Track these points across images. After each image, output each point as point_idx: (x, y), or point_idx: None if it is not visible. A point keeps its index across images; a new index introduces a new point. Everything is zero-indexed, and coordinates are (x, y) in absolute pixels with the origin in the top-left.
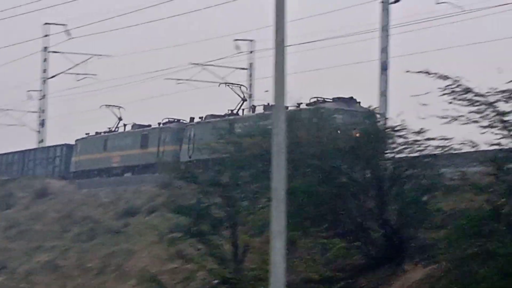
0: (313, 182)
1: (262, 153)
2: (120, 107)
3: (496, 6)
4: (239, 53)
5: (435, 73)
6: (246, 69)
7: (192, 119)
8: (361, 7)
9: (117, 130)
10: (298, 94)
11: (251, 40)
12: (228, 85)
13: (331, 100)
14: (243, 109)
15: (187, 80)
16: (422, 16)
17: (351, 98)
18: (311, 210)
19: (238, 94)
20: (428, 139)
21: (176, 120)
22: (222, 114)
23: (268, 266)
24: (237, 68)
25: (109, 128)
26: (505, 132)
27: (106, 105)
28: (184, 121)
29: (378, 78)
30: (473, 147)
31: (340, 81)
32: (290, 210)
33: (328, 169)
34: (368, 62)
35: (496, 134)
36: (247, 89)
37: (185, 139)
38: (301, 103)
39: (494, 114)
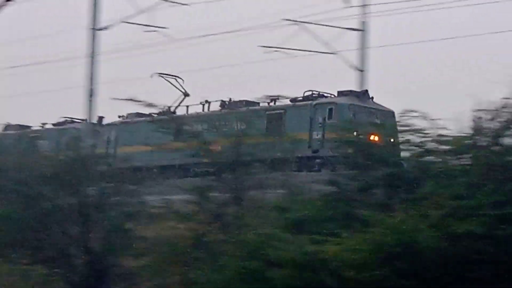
0: (16, 207)
1: None
2: None
3: (206, 35)
4: None
5: (142, 101)
6: None
7: (44, 124)
8: (70, 33)
9: None
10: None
11: None
12: (161, 76)
13: (333, 95)
14: (187, 106)
15: None
16: (132, 44)
17: (366, 91)
18: (12, 236)
19: (177, 88)
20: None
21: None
22: (147, 113)
23: None
24: None
25: None
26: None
27: None
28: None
29: (86, 104)
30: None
31: (50, 105)
32: None
33: (32, 194)
34: (78, 88)
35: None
36: (183, 82)
37: (102, 142)
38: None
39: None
